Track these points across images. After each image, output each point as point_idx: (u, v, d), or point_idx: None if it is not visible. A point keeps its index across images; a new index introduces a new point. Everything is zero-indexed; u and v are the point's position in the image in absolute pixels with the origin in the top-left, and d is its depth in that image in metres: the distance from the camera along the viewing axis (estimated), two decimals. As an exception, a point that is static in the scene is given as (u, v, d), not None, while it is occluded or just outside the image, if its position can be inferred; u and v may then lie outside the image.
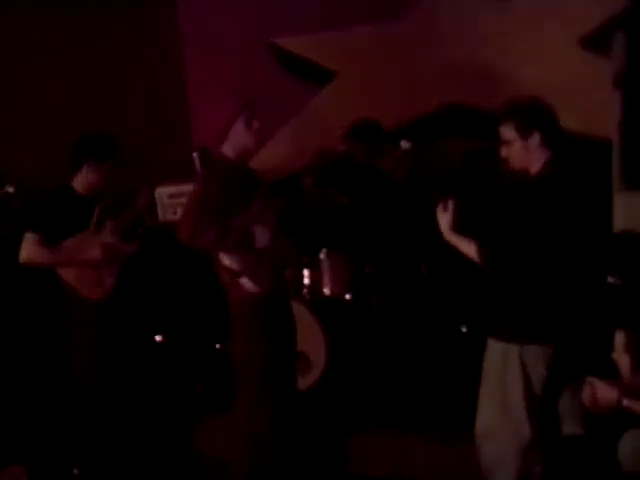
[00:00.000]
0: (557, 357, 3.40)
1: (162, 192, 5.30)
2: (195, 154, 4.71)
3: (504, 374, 3.43)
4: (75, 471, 4.29)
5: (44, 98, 5.57)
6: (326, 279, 5.16)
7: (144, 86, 5.90)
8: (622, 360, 3.24)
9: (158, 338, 5.43)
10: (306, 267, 5.21)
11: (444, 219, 3.51)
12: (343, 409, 4.79)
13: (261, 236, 3.86)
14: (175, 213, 5.32)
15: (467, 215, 3.62)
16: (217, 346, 5.18)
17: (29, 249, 4.17)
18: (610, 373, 3.28)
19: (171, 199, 5.32)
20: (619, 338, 3.26)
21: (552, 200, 3.36)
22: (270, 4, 5.90)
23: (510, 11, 5.37)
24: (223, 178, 3.81)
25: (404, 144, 4.99)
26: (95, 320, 4.23)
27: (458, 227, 3.51)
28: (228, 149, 3.89)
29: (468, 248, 3.47)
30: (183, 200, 5.03)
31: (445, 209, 3.51)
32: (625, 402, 3.07)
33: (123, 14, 5.82)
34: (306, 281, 5.21)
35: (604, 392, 3.11)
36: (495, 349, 3.48)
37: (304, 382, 4.97)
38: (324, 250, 5.17)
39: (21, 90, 5.54)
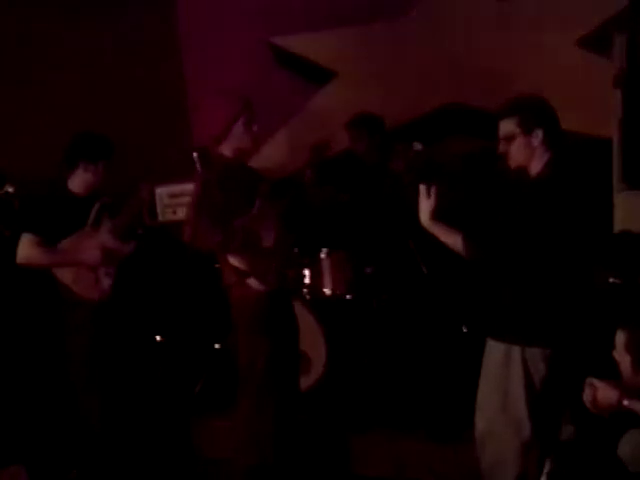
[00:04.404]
0: (558, 358, 3.40)
1: (162, 192, 5.31)
2: (195, 154, 4.71)
3: (506, 373, 3.41)
4: (74, 471, 4.30)
5: (44, 98, 5.57)
6: (326, 279, 5.16)
7: (144, 86, 5.90)
8: (623, 360, 3.24)
9: (158, 338, 5.43)
10: (306, 267, 5.21)
11: (425, 205, 3.45)
12: (343, 409, 4.79)
13: (266, 235, 3.88)
14: (175, 213, 5.33)
15: (457, 208, 3.59)
16: (216, 346, 5.18)
17: (26, 250, 4.16)
18: (611, 373, 3.27)
19: (171, 199, 5.33)
20: (620, 338, 3.26)
21: (552, 203, 3.33)
22: (270, 4, 5.91)
23: (510, 11, 5.37)
24: (223, 179, 3.82)
25: (416, 145, 4.98)
26: (93, 321, 4.21)
27: (442, 217, 3.45)
28: (226, 149, 3.91)
29: (450, 238, 3.42)
30: (183, 200, 5.06)
31: (428, 196, 3.45)
32: (626, 402, 3.07)
33: (123, 14, 5.82)
34: (306, 281, 5.21)
35: (605, 392, 3.11)
36: (497, 349, 3.46)
37: (305, 382, 4.96)
38: (324, 250, 5.17)
39: (21, 90, 5.53)
